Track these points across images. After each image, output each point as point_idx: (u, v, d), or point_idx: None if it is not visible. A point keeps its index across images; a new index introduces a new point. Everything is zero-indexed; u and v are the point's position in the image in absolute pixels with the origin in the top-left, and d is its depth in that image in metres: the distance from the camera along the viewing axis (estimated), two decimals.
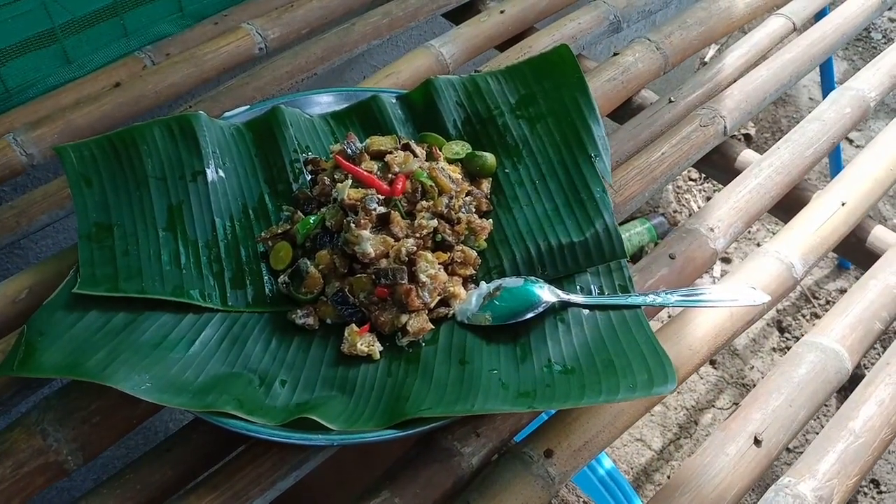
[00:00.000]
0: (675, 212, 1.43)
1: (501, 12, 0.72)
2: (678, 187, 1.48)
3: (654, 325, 0.47)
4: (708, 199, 1.45)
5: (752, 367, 1.23)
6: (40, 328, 0.45)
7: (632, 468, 1.11)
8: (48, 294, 0.50)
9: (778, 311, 1.30)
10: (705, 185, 1.47)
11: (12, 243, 0.58)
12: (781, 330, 1.28)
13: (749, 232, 1.38)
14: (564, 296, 0.48)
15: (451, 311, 0.49)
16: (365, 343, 0.47)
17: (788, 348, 1.26)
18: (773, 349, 1.25)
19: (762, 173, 0.60)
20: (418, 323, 0.48)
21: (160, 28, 0.72)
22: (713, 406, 1.19)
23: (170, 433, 0.46)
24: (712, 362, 1.23)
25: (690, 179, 1.47)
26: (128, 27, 0.70)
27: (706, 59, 1.56)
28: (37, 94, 0.67)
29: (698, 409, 1.18)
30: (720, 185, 1.48)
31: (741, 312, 0.51)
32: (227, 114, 0.59)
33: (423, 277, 0.48)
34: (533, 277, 0.49)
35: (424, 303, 0.48)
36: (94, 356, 0.43)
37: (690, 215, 1.45)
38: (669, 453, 1.12)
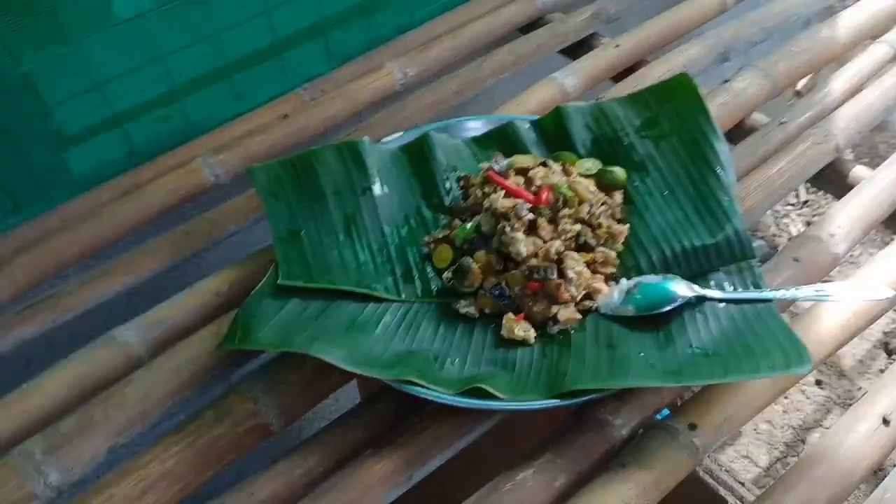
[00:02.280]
0: (774, 235, 1.45)
1: (616, 46, 0.80)
2: (776, 212, 1.50)
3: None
4: (807, 223, 1.47)
5: (860, 388, 1.22)
6: (252, 311, 0.53)
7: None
8: (244, 288, 0.59)
9: (885, 333, 1.29)
10: (804, 209, 1.48)
11: (196, 253, 0.67)
12: (889, 352, 1.28)
13: (851, 255, 1.39)
14: (700, 290, 0.53)
15: (596, 305, 0.55)
16: (521, 329, 0.54)
17: None
18: (881, 371, 1.25)
19: (877, 185, 0.64)
20: (567, 313, 0.54)
21: (312, 68, 0.82)
22: (820, 425, 1.19)
23: (305, 436, 0.53)
24: (818, 382, 1.23)
25: (789, 204, 1.50)
26: (286, 67, 0.81)
27: (798, 88, 1.59)
28: (212, 127, 0.77)
29: (805, 429, 1.18)
30: (820, 210, 1.49)
31: (865, 309, 0.55)
32: (385, 139, 0.67)
33: (570, 273, 0.55)
34: (670, 274, 0.55)
35: (572, 296, 0.54)
36: (301, 334, 0.51)
37: (790, 239, 1.47)
38: (776, 471, 1.12)
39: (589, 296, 0.56)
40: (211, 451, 0.50)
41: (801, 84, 1.59)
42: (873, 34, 0.83)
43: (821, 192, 1.50)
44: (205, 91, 0.78)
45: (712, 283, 0.55)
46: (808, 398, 1.21)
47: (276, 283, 0.55)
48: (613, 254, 0.57)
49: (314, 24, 0.82)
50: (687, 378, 0.48)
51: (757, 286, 0.54)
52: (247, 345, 0.51)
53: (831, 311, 0.55)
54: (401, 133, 0.68)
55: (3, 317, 0.60)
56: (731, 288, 0.54)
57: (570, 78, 0.77)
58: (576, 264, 0.55)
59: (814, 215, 1.48)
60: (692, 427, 0.49)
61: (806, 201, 1.50)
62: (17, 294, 0.62)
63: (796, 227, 1.46)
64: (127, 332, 0.57)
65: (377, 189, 0.63)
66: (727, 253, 0.56)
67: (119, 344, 0.56)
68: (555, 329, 0.54)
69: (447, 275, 0.57)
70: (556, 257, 0.55)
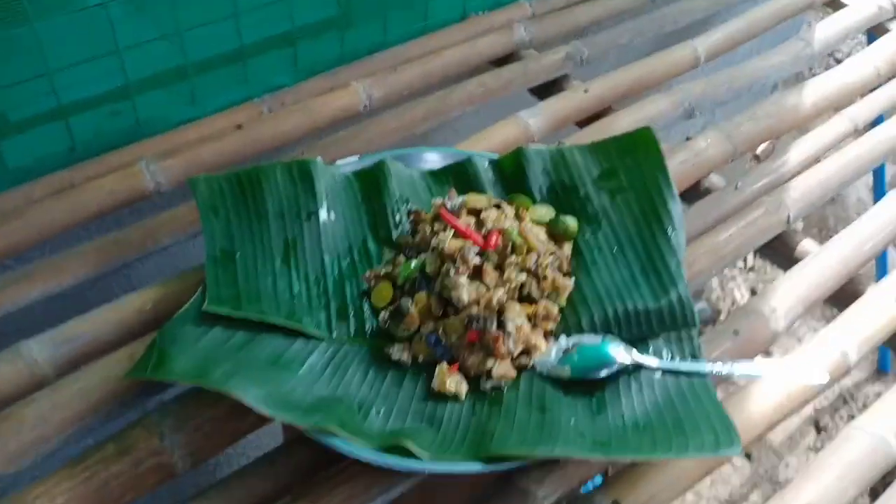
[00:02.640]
0: (717, 298, 1.46)
1: (585, 91, 0.79)
2: (722, 275, 1.51)
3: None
4: (752, 289, 1.48)
5: (788, 465, 1.24)
6: (172, 337, 0.51)
7: None
8: (169, 308, 0.56)
9: (816, 410, 1.31)
10: (750, 274, 1.50)
11: (127, 264, 0.64)
12: (818, 429, 1.30)
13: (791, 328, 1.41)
14: (639, 357, 0.52)
15: (532, 362, 0.54)
16: (453, 382, 0.52)
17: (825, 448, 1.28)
18: (809, 448, 1.27)
19: (822, 262, 0.64)
20: (502, 369, 0.53)
21: (276, 78, 0.80)
22: (746, 500, 1.20)
23: (219, 476, 0.50)
24: (747, 455, 1.24)
25: (735, 268, 1.51)
26: (248, 74, 0.78)
27: (757, 152, 1.61)
28: (163, 129, 0.74)
29: (731, 502, 1.19)
30: (766, 277, 1.51)
31: (798, 392, 0.55)
32: (339, 162, 0.65)
33: (510, 327, 0.53)
34: (611, 335, 0.54)
35: (510, 350, 0.53)
36: (219, 368, 0.49)
37: (733, 304, 1.48)
38: None
39: (526, 351, 0.54)
40: (107, 489, 0.46)
41: (760, 148, 1.61)
42: (836, 106, 0.84)
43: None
44: (160, 90, 0.75)
45: (651, 349, 0.54)
46: (735, 470, 1.22)
47: (201, 309, 0.52)
48: (556, 309, 0.56)
49: (284, 33, 0.80)
50: (615, 451, 0.47)
51: (695, 357, 0.53)
52: (158, 375, 0.48)
53: (765, 390, 0.54)
54: (356, 157, 0.66)
55: None
56: (669, 356, 0.53)
57: (536, 118, 0.76)
58: (517, 317, 0.54)
59: (759, 282, 1.50)
60: None
61: (752, 267, 1.52)
62: None
63: (741, 293, 1.47)
64: (35, 346, 0.53)
65: (323, 215, 0.61)
66: (669, 319, 0.55)
67: (24, 359, 0.52)
68: (488, 385, 0.52)
69: (384, 315, 0.55)
70: (497, 307, 0.54)
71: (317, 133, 0.75)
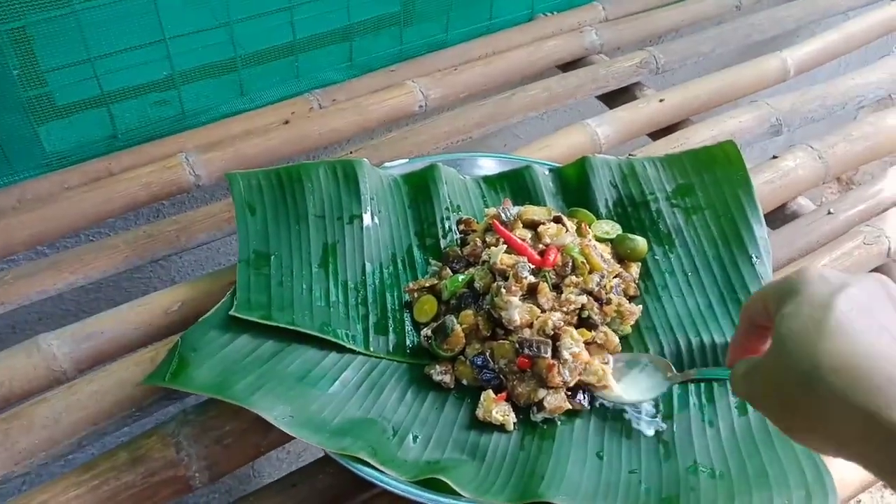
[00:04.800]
0: None
1: (661, 101, 0.72)
2: None
3: None
4: None
5: None
6: (194, 344, 0.46)
7: None
8: (198, 309, 0.52)
9: None
10: None
11: (165, 256, 0.61)
12: None
13: None
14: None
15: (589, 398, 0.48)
16: (500, 412, 0.46)
17: None
18: None
19: None
20: (556, 401, 0.46)
21: (329, 74, 0.76)
22: None
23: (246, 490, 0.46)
24: None
25: None
26: (300, 69, 0.75)
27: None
28: (208, 120, 0.71)
29: None
30: None
31: None
32: (386, 164, 0.61)
33: (565, 354, 0.47)
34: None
35: (564, 381, 0.47)
36: (242, 380, 0.44)
37: None
38: None
39: (582, 383, 0.48)
40: (117, 500, 0.43)
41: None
42: None
43: None
44: (208, 81, 0.72)
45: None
46: None
47: (228, 313, 0.48)
48: (616, 339, 0.50)
49: (340, 28, 0.76)
50: None
51: None
52: (176, 384, 0.44)
53: None
54: (406, 160, 0.61)
55: None
56: None
57: (605, 127, 0.70)
58: (574, 344, 0.48)
59: None
60: None
61: None
62: None
63: None
64: (55, 340, 0.50)
65: (367, 219, 0.56)
66: None
67: (43, 353, 0.49)
68: (539, 417, 0.46)
69: (426, 332, 0.50)
70: (552, 332, 0.48)
71: (368, 132, 0.70)
